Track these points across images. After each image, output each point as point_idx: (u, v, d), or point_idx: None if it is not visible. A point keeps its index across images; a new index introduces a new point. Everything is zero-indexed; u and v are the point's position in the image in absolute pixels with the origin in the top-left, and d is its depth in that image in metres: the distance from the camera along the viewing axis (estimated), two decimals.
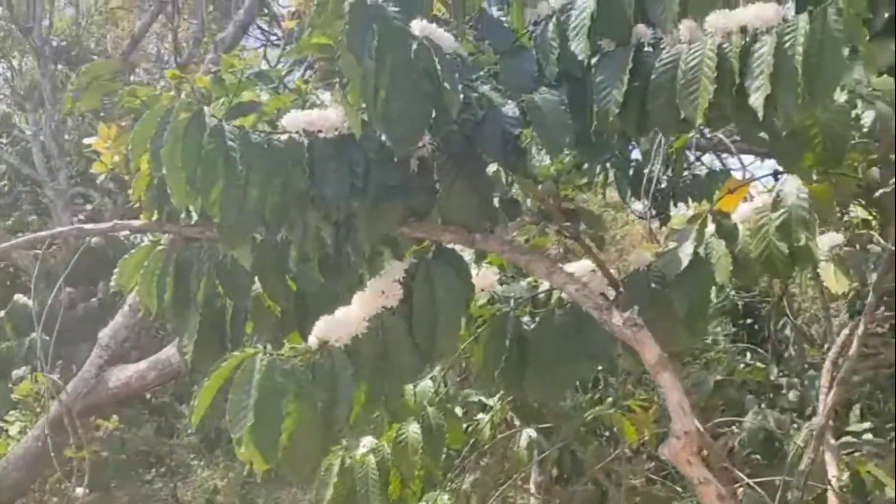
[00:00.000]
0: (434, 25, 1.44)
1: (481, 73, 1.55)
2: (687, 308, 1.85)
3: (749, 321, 5.26)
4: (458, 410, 3.30)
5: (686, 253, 1.85)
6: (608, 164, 3.32)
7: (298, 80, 1.66)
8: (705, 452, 2.11)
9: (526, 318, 1.91)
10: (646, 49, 1.63)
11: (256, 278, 1.76)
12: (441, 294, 1.60)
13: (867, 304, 2.22)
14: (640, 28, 1.63)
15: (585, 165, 2.10)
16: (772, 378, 4.46)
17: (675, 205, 3.63)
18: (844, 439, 3.94)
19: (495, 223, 1.61)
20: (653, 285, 1.87)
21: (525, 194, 1.82)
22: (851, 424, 3.99)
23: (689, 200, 3.62)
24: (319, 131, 1.46)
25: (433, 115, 1.39)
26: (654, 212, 3.66)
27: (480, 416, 3.23)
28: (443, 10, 1.77)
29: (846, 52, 1.39)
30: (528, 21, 1.74)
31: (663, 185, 3.51)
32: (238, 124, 1.47)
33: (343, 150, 1.47)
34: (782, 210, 2.07)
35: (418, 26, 1.42)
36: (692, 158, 3.67)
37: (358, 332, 1.56)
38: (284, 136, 1.47)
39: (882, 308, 2.33)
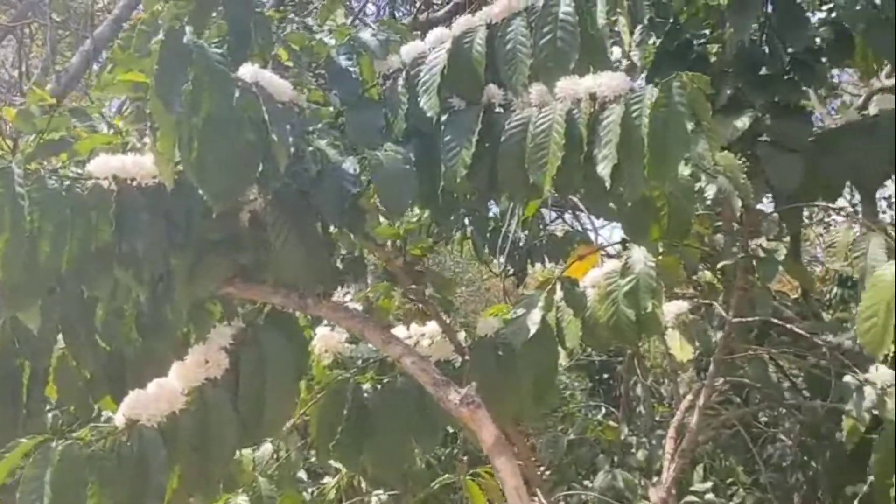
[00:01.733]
0: (268, 72, 1.33)
1: (320, 125, 1.45)
2: (534, 378, 1.80)
3: (605, 376, 5.35)
4: (303, 474, 3.11)
5: (534, 321, 1.79)
6: (466, 221, 3.30)
7: (117, 118, 1.49)
8: None
9: (368, 385, 1.79)
10: (497, 110, 1.58)
11: (60, 335, 1.55)
12: (270, 363, 1.45)
13: (708, 374, 2.23)
14: (492, 88, 1.58)
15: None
16: (622, 437, 4.52)
17: (533, 264, 3.64)
18: (687, 499, 4.03)
19: (333, 284, 1.49)
20: (500, 353, 1.81)
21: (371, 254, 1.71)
22: (695, 484, 4.08)
23: (546, 260, 3.65)
24: (133, 178, 1.30)
25: (260, 167, 1.27)
26: (511, 270, 3.66)
27: (327, 479, 3.06)
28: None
29: (690, 125, 1.38)
30: (378, 73, 1.66)
31: (521, 244, 3.52)
32: (33, 167, 1.28)
33: (160, 200, 1.31)
34: (630, 277, 2.07)
35: (249, 72, 1.30)
36: (549, 218, 3.72)
37: (175, 409, 1.39)
38: (91, 182, 1.30)
39: (722, 379, 2.35)
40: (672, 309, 2.43)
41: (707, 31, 2.11)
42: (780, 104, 1.96)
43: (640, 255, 2.09)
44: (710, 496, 3.96)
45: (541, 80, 1.52)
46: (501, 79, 1.56)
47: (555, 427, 4.63)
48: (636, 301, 2.06)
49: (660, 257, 2.06)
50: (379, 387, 1.75)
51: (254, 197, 1.40)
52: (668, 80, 1.40)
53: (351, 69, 1.62)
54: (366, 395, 1.74)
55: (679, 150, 1.38)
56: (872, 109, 1.97)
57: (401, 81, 1.59)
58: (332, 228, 1.55)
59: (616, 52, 2.17)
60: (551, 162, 1.46)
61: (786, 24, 1.86)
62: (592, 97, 1.47)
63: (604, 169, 1.40)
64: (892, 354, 1.58)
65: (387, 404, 1.69)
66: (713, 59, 2.08)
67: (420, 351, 1.82)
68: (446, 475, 2.70)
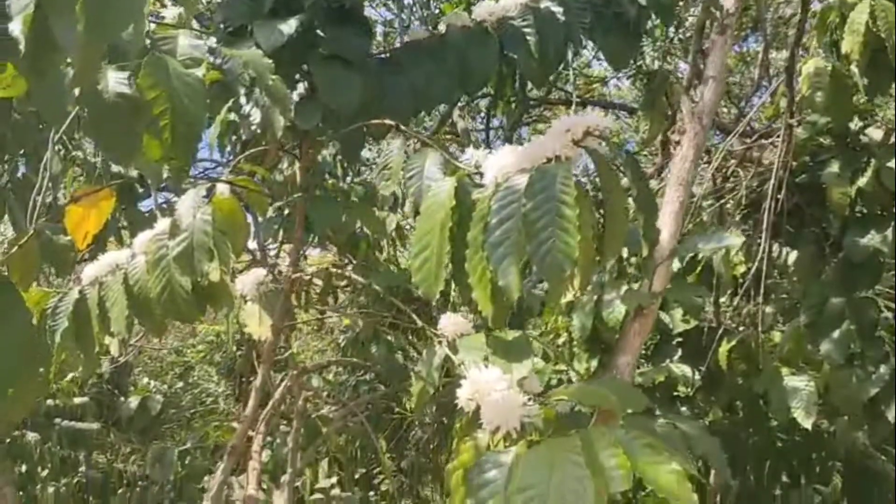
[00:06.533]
0: None
1: None
2: None
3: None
4: None
5: None
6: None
7: None
8: None
9: None
10: None
11: None
12: None
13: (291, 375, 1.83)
14: None
15: None
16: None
17: None
18: (315, 496, 3.70)
19: None
20: None
21: None
22: (321, 480, 3.77)
23: None
24: None
25: None
26: None
27: None
28: None
29: None
30: None
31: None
32: None
33: None
34: (182, 236, 1.61)
35: None
36: None
37: None
38: None
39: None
40: (251, 279, 2.02)
41: None
42: (334, 9, 1.61)
43: (189, 204, 1.64)
44: (335, 491, 3.67)
45: None
46: None
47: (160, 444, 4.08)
48: (190, 265, 1.60)
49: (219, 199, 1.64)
50: None
51: None
52: None
53: None
54: None
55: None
56: (442, 27, 1.71)
57: None
58: None
59: None
60: None
61: None
62: None
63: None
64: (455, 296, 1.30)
65: None
66: None
67: None
68: None
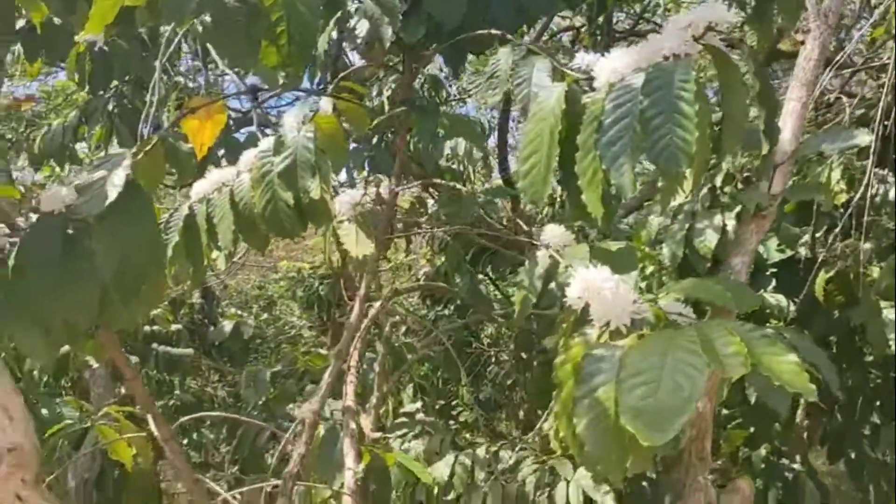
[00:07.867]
0: None
1: None
2: (119, 265, 1.29)
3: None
4: None
5: (116, 183, 1.27)
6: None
7: None
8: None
9: None
10: None
11: None
12: None
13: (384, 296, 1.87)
14: None
15: None
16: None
17: None
18: (399, 420, 3.81)
19: None
20: (69, 232, 1.29)
21: None
22: (406, 405, 3.87)
23: None
24: None
25: None
26: None
27: None
28: None
29: None
30: None
31: None
32: None
33: None
34: (286, 153, 1.66)
35: None
36: None
37: None
38: None
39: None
40: (346, 199, 2.07)
41: None
42: None
43: (293, 121, 1.69)
44: (420, 416, 3.77)
45: None
46: None
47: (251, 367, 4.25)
48: (293, 181, 1.66)
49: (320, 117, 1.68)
50: None
51: None
52: None
53: None
54: None
55: None
56: None
57: None
58: None
59: None
60: None
61: None
62: None
63: None
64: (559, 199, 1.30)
65: None
66: None
67: None
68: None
